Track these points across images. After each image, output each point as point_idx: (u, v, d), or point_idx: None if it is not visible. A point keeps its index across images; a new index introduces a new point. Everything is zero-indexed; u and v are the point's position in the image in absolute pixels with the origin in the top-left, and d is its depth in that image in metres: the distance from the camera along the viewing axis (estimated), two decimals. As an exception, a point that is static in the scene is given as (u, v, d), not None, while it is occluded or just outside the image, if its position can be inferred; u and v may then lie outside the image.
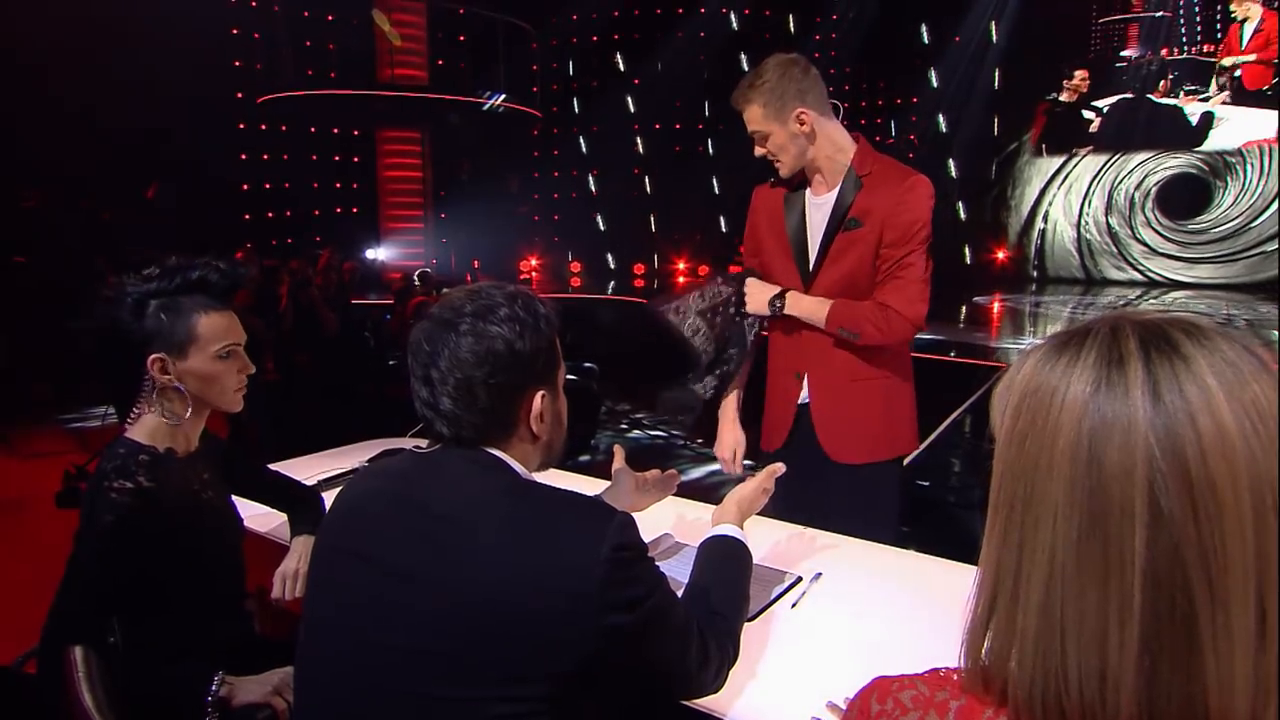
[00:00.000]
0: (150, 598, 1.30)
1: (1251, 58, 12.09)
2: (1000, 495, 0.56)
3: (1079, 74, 13.75)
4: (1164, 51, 13.07)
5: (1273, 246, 12.26)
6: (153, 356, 1.32)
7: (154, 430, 1.36)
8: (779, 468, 1.45)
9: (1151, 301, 11.89)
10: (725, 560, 1.24)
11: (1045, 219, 14.16)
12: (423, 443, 1.03)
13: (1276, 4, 11.78)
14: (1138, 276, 13.62)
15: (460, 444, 0.97)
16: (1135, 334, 0.53)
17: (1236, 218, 12.67)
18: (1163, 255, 13.43)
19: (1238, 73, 12.35)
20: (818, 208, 1.93)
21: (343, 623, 0.92)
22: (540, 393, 0.98)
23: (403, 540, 0.91)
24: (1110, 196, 13.57)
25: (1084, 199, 13.82)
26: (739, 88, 1.85)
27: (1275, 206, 12.23)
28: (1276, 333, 8.29)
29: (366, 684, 0.88)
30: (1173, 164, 12.95)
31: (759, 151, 1.89)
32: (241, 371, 1.40)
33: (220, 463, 1.52)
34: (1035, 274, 14.26)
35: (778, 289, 1.90)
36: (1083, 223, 13.84)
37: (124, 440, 1.35)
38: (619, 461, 1.57)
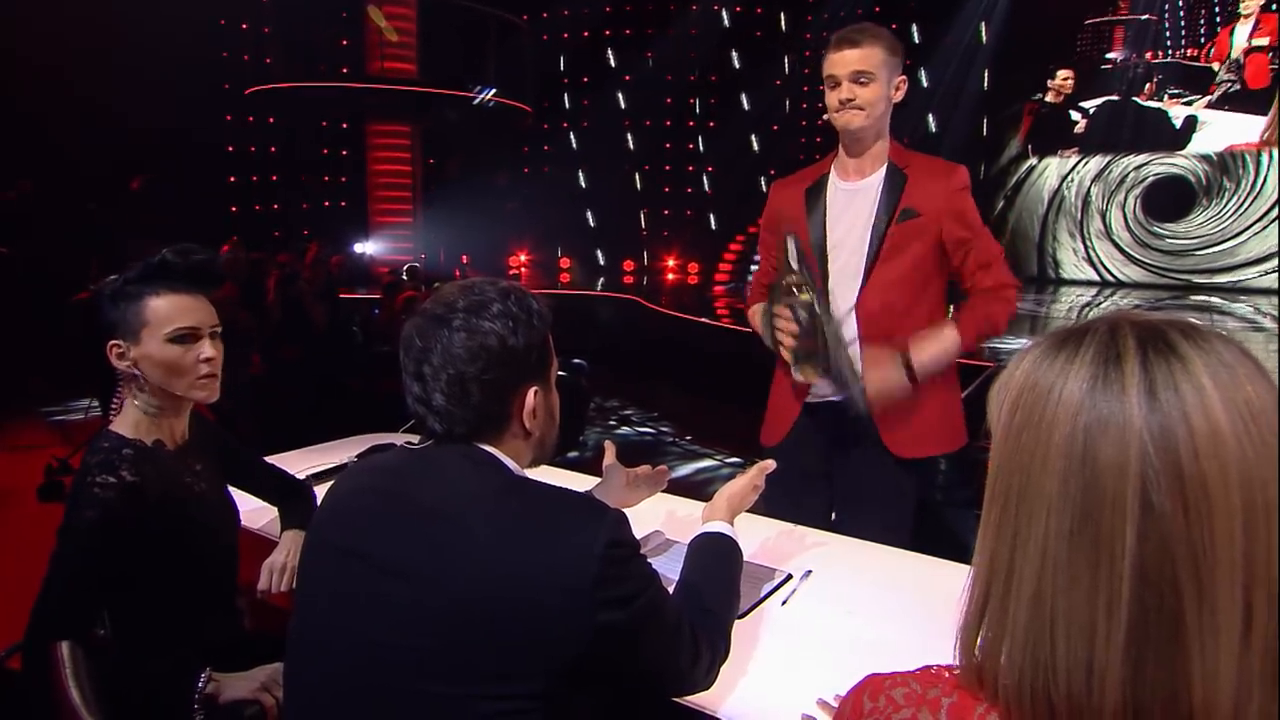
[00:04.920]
0: (137, 593, 1.29)
1: (1263, 41, 12.07)
2: (995, 489, 0.57)
3: (1062, 73, 13.83)
4: (1149, 55, 13.19)
5: (1202, 280, 12.53)
6: (110, 343, 1.31)
7: (137, 423, 1.34)
8: (769, 464, 1.46)
9: (1106, 301, 12.06)
10: (716, 557, 1.24)
11: (1035, 167, 14.22)
12: (414, 438, 1.03)
13: (1275, 5, 11.88)
14: (1080, 249, 13.73)
15: (453, 440, 0.96)
16: (1134, 334, 0.54)
17: (1192, 239, 12.83)
18: (1110, 241, 13.52)
19: (1237, 69, 12.42)
20: (848, 194, 1.92)
21: (333, 619, 0.91)
22: (533, 388, 0.98)
23: (394, 536, 0.90)
24: (1107, 167, 13.59)
25: (1080, 159, 13.85)
26: (857, 28, 1.81)
27: (1230, 244, 12.40)
28: (1277, 335, 8.39)
29: (357, 680, 0.88)
30: (1181, 163, 12.99)
31: (844, 93, 1.81)
32: (205, 360, 1.34)
33: (215, 452, 1.50)
34: (1001, 208, 14.29)
35: (898, 364, 1.74)
36: (1069, 177, 13.86)
37: (108, 434, 1.32)
38: (610, 458, 1.57)
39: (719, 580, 1.20)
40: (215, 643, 1.38)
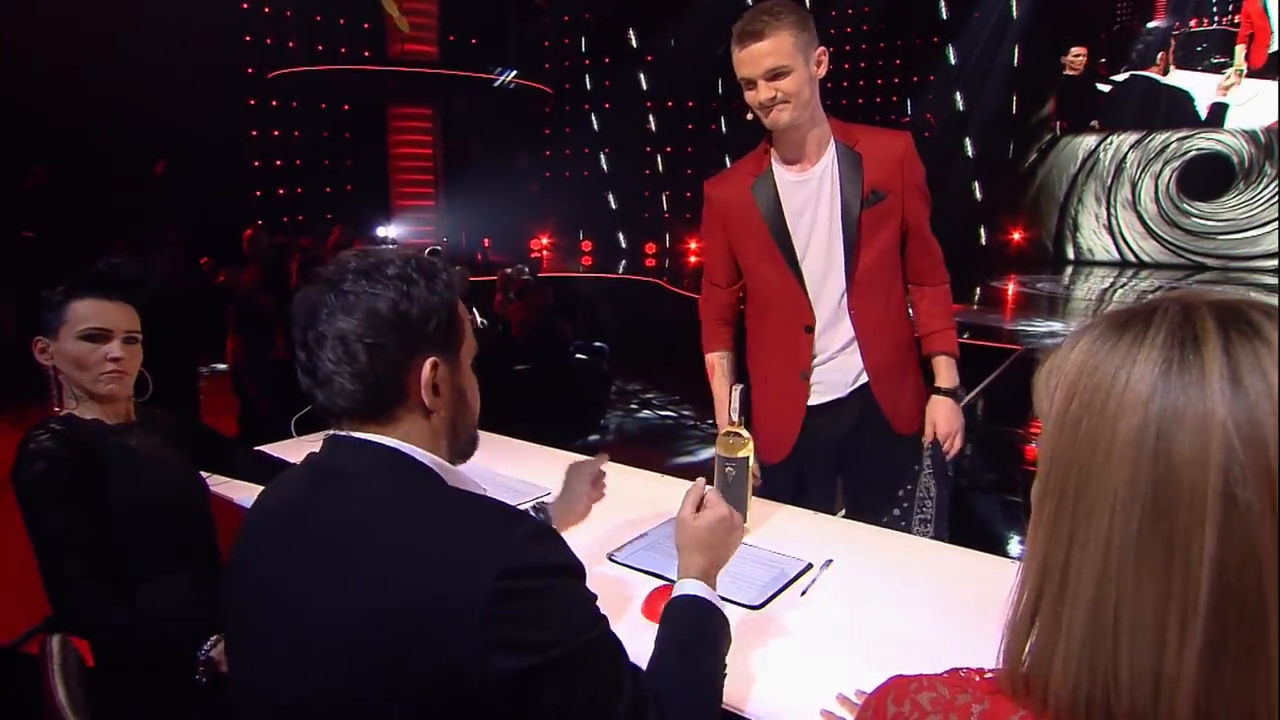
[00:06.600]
0: (117, 552, 1.33)
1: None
2: (1049, 483, 0.52)
3: (1075, 50, 13.57)
4: (1194, 22, 12.80)
5: (1215, 264, 12.36)
6: (35, 338, 1.41)
7: (72, 410, 1.43)
8: (701, 482, 1.15)
9: (1131, 283, 11.82)
10: (695, 634, 1.00)
11: (1058, 128, 14.00)
12: (316, 437, 0.94)
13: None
14: (1103, 215, 13.49)
15: (342, 417, 0.88)
16: (1212, 314, 0.49)
17: (1219, 221, 12.54)
18: (1134, 212, 13.28)
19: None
20: (800, 185, 1.79)
21: (251, 655, 0.86)
22: (431, 360, 0.88)
23: (296, 569, 0.82)
24: (1147, 135, 13.24)
25: (1113, 131, 13.61)
26: (756, 18, 1.64)
27: (1255, 232, 12.18)
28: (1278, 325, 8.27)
29: (278, 710, 0.81)
30: (1228, 141, 12.59)
31: (764, 95, 1.66)
32: (112, 360, 1.41)
33: (172, 433, 1.55)
34: (1032, 161, 14.04)
35: (949, 397, 1.81)
36: (1108, 139, 13.58)
37: None
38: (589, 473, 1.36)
39: (692, 669, 0.96)
40: (211, 615, 1.38)
